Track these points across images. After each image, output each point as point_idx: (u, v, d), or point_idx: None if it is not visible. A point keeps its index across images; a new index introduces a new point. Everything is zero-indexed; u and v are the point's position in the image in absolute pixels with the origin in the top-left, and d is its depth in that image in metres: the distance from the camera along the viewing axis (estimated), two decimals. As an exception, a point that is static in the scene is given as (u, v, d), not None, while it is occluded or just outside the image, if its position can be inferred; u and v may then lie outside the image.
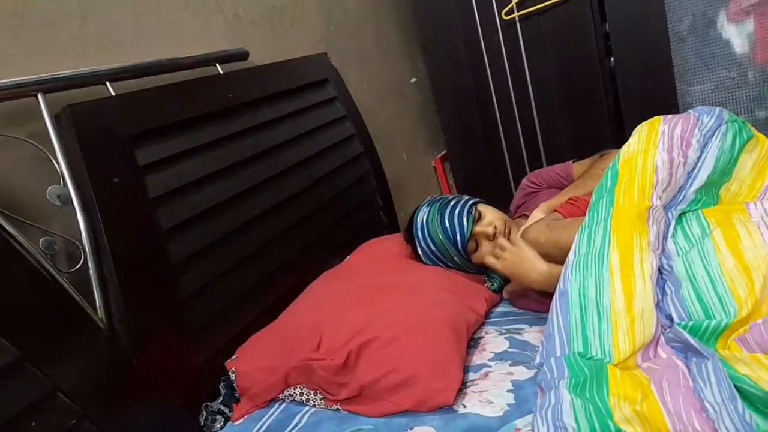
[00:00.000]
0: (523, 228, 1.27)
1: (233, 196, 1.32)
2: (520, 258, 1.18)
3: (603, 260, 0.92)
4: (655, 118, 1.12)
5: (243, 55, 1.52)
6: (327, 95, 1.75)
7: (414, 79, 2.43)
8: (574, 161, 1.55)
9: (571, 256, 0.98)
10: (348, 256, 1.57)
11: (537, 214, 1.30)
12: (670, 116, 1.11)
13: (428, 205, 1.43)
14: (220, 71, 1.44)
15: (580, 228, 1.01)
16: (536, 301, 1.27)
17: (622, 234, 0.94)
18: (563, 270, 0.97)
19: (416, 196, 2.22)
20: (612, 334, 0.86)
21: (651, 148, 1.03)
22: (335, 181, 1.69)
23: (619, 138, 1.96)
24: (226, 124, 1.36)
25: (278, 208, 1.44)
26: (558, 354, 0.88)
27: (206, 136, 1.30)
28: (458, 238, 1.34)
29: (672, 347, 0.86)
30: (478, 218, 1.37)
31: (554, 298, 0.95)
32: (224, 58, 1.46)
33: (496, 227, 1.33)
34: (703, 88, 1.82)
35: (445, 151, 2.46)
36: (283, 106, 1.56)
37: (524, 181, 1.60)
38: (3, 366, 0.86)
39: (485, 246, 1.34)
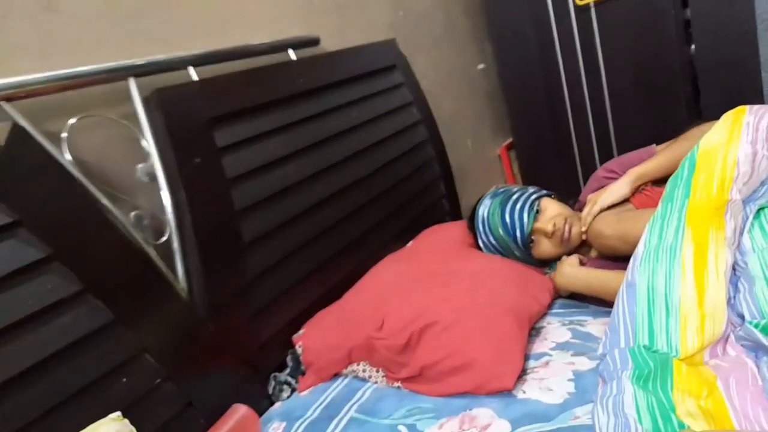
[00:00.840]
0: (598, 204, 1.28)
1: (302, 179, 1.37)
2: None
3: (675, 253, 0.90)
4: (740, 107, 1.08)
5: (314, 41, 1.56)
6: (394, 81, 1.78)
7: (481, 66, 2.40)
8: (656, 146, 1.43)
9: (640, 247, 0.96)
10: (410, 242, 1.60)
11: (624, 183, 1.28)
12: (757, 106, 1.06)
13: (491, 198, 1.42)
14: (293, 57, 1.49)
15: (651, 218, 0.99)
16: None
17: (697, 227, 0.91)
18: (632, 261, 0.95)
19: (479, 184, 2.21)
20: (680, 330, 0.84)
21: (734, 139, 0.99)
22: (400, 166, 1.71)
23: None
24: (297, 109, 1.42)
25: (344, 191, 1.48)
26: (622, 345, 0.87)
27: (278, 120, 1.35)
28: (518, 234, 1.34)
29: (742, 345, 0.83)
30: (541, 213, 1.35)
31: (621, 289, 0.94)
32: (297, 44, 1.50)
33: (555, 224, 1.31)
34: (792, 77, 1.71)
35: (510, 140, 2.44)
36: (351, 91, 1.60)
37: (600, 171, 1.50)
38: (99, 327, 0.95)
39: (543, 242, 1.33)
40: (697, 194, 0.96)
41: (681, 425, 0.70)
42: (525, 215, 1.33)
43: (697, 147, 1.03)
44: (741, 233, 0.94)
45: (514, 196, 1.38)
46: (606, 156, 2.04)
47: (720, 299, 0.86)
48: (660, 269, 0.90)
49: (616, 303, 0.94)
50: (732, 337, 0.85)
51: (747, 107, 1.07)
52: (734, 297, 0.89)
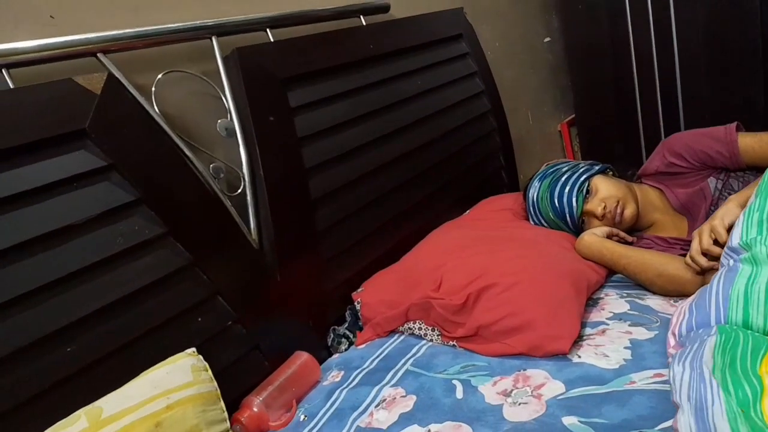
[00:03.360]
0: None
1: (367, 142, 1.41)
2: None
3: None
4: None
5: (385, 8, 1.58)
6: (460, 51, 1.78)
7: (548, 39, 2.36)
8: (738, 128, 1.27)
9: (735, 239, 0.90)
10: (468, 211, 1.62)
11: (732, 207, 1.06)
12: None
13: (540, 180, 1.40)
14: (363, 23, 1.51)
15: (746, 210, 0.92)
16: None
17: None
18: (729, 252, 0.90)
19: (538, 157, 2.20)
20: None
21: None
22: (461, 135, 1.72)
23: (774, 112, 1.80)
24: (365, 74, 1.45)
25: (406, 156, 1.51)
26: (712, 324, 0.83)
27: (347, 84, 1.39)
28: (568, 218, 1.33)
29: None
30: (591, 194, 1.33)
31: (720, 273, 0.89)
32: (367, 9, 1.53)
33: (606, 206, 1.29)
34: None
35: (572, 116, 2.39)
36: (418, 59, 1.62)
37: (667, 148, 1.36)
38: (179, 268, 1.02)
39: (594, 223, 1.31)
40: None
41: (759, 381, 0.67)
42: (574, 199, 1.31)
43: None
44: None
45: (563, 178, 1.35)
46: (673, 132, 1.98)
47: None
48: (763, 259, 0.84)
49: (709, 285, 0.89)
50: None
51: None
52: None
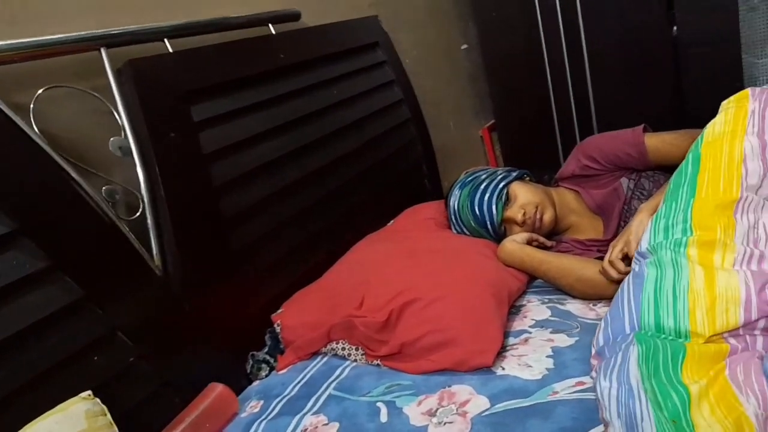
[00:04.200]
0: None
1: (282, 156, 1.35)
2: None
3: (681, 249, 0.84)
4: (743, 92, 1.01)
5: (295, 16, 1.53)
6: (376, 59, 1.75)
7: (465, 46, 2.38)
8: (645, 129, 1.33)
9: (644, 244, 0.91)
10: (391, 221, 1.59)
11: (644, 218, 1.08)
12: (759, 90, 0.99)
13: (460, 188, 1.40)
14: (273, 31, 1.45)
15: (654, 216, 0.94)
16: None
17: (703, 229, 0.85)
18: (637, 257, 0.91)
19: (462, 164, 2.19)
20: (689, 312, 0.78)
21: (739, 130, 0.93)
22: (381, 146, 1.70)
23: (678, 111, 1.89)
24: (277, 85, 1.39)
25: (325, 169, 1.46)
26: (627, 332, 0.82)
27: (258, 96, 1.33)
28: (489, 226, 1.33)
29: None
30: (511, 201, 1.33)
31: (627, 280, 0.90)
32: (277, 18, 1.47)
33: (525, 213, 1.30)
34: (773, 60, 1.72)
35: (492, 121, 2.43)
36: (332, 68, 1.57)
37: (581, 151, 1.40)
38: (69, 303, 0.92)
39: (515, 229, 1.32)
40: (702, 193, 0.90)
41: (685, 389, 0.67)
42: (494, 206, 1.32)
43: (701, 139, 0.97)
44: None
45: (482, 186, 1.35)
46: (588, 135, 2.04)
47: (732, 286, 0.78)
48: (667, 261, 0.85)
49: (619, 292, 0.89)
50: (761, 365, 0.73)
51: (749, 91, 1.00)
52: None
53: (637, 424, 0.69)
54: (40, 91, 0.98)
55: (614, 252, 1.09)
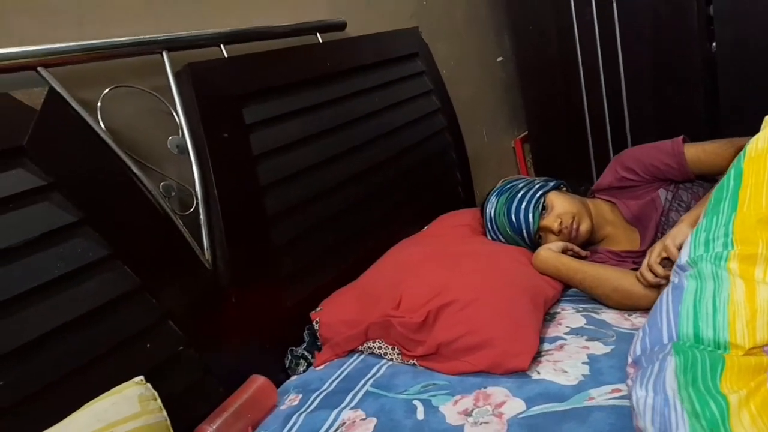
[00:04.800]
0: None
1: (324, 160, 1.39)
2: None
3: (721, 263, 0.85)
4: None
5: (341, 26, 1.58)
6: (416, 69, 1.79)
7: (500, 58, 2.41)
8: (684, 140, 1.33)
9: (684, 257, 0.91)
10: (426, 227, 1.62)
11: (684, 228, 1.09)
12: None
13: (497, 196, 1.41)
14: (320, 40, 1.50)
15: (695, 230, 0.94)
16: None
17: (745, 243, 0.85)
18: (676, 270, 0.91)
19: (493, 173, 2.23)
20: (728, 324, 0.77)
21: None
22: (417, 153, 1.73)
23: (713, 127, 1.89)
24: (322, 91, 1.43)
25: (363, 174, 1.50)
26: (665, 342, 0.82)
27: (304, 101, 1.37)
28: (525, 234, 1.35)
29: None
30: (547, 210, 1.34)
31: (666, 290, 0.90)
32: (324, 27, 1.52)
33: (562, 222, 1.31)
34: (814, 76, 1.71)
35: (525, 133, 2.45)
36: (374, 76, 1.62)
37: (619, 163, 1.41)
38: (126, 292, 0.97)
39: (550, 238, 1.33)
40: (744, 207, 0.90)
41: (724, 399, 0.67)
42: (530, 215, 1.33)
43: (743, 154, 0.97)
44: None
45: (520, 194, 1.37)
46: (621, 149, 2.05)
47: None
48: (708, 274, 0.85)
49: (657, 303, 0.90)
50: None
51: None
52: None
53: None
54: (106, 90, 1.04)
55: (653, 256, 1.10)
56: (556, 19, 2.04)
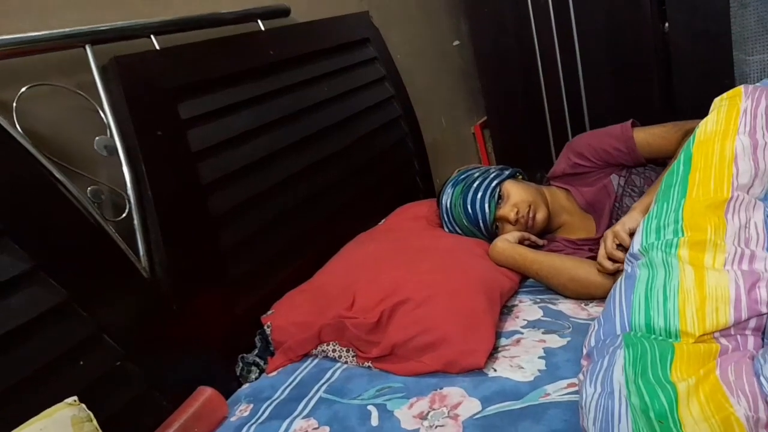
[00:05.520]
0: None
1: (272, 153, 1.33)
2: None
3: (672, 250, 0.84)
4: (736, 89, 1.00)
5: (284, 12, 1.51)
6: (367, 55, 1.73)
7: (457, 42, 2.37)
8: (633, 124, 1.32)
9: (636, 245, 0.90)
10: (383, 220, 1.58)
11: (636, 215, 1.08)
12: (751, 87, 0.98)
13: (452, 187, 1.38)
14: (262, 27, 1.43)
15: (646, 217, 0.93)
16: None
17: (694, 230, 0.85)
18: (629, 258, 0.90)
19: (453, 162, 2.19)
20: (678, 312, 0.77)
21: (730, 129, 0.92)
22: (372, 143, 1.68)
23: (669, 108, 1.89)
24: (266, 81, 1.37)
25: (315, 167, 1.44)
26: (618, 333, 0.81)
27: (247, 93, 1.30)
28: (481, 225, 1.32)
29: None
30: (503, 199, 1.32)
31: (620, 280, 0.89)
32: (266, 14, 1.45)
33: (518, 211, 1.28)
34: (763, 57, 1.72)
35: (484, 118, 2.42)
36: (323, 64, 1.55)
37: (571, 149, 1.40)
38: (52, 306, 0.90)
39: (507, 228, 1.31)
40: (693, 193, 0.90)
41: (673, 387, 0.66)
42: (486, 205, 1.30)
43: (692, 138, 0.96)
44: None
45: (475, 185, 1.34)
46: (579, 131, 2.03)
47: (722, 285, 0.77)
48: (659, 263, 0.84)
49: (611, 294, 0.89)
50: (753, 366, 0.71)
51: (742, 88, 0.99)
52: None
53: (613, 426, 0.69)
54: (23, 89, 0.95)
55: (608, 243, 1.08)
56: (511, 3, 2.01)
